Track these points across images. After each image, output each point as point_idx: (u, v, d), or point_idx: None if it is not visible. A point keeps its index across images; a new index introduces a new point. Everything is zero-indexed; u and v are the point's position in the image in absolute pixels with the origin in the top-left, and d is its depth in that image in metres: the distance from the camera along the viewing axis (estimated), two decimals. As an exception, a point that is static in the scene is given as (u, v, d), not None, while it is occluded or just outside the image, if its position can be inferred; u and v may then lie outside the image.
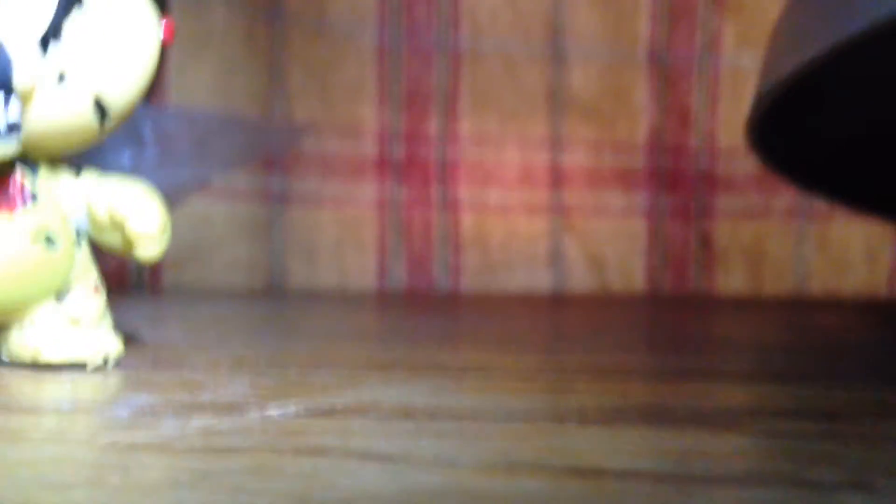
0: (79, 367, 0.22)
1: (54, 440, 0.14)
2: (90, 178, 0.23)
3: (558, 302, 0.49)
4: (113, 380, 0.20)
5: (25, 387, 0.19)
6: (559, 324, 0.39)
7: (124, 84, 0.21)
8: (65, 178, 0.23)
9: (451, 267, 0.52)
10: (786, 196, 0.53)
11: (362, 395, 0.17)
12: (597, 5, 0.52)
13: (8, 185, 0.22)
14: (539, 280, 0.53)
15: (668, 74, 0.53)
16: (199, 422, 0.14)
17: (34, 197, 0.22)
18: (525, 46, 0.53)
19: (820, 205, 0.53)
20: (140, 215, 0.22)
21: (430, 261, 0.52)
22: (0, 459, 0.12)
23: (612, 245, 0.53)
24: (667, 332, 0.36)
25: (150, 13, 0.22)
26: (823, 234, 0.53)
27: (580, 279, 0.53)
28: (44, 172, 0.22)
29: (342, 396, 0.17)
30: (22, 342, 0.23)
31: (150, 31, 0.22)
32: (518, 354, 0.25)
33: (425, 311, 0.41)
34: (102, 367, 0.23)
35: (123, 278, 0.49)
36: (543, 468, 0.12)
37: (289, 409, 0.16)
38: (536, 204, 0.53)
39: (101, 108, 0.21)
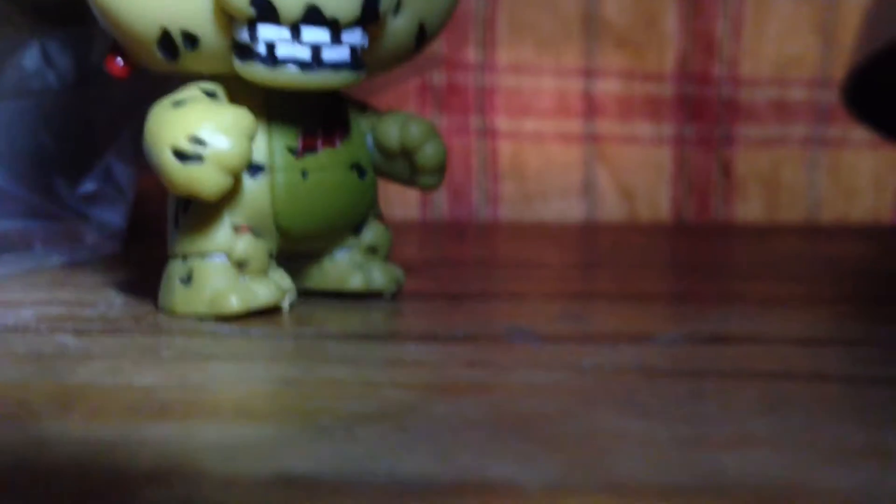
0: (376, 295, 0.24)
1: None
2: (373, 111, 0.24)
3: (681, 231, 0.50)
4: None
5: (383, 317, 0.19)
6: (798, 252, 0.39)
7: (441, 11, 0.22)
8: (355, 111, 0.23)
9: (489, 196, 0.52)
10: (801, 125, 0.55)
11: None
12: (630, -68, 0.52)
13: (332, 118, 0.22)
14: (572, 210, 0.54)
15: (695, 2, 0.54)
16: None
17: (348, 130, 0.22)
18: (561, -28, 0.52)
19: (833, 133, 0.55)
20: (428, 146, 0.23)
21: (470, 190, 0.52)
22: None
23: (640, 174, 0.54)
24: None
25: None
26: (835, 162, 0.56)
27: (611, 209, 0.54)
28: (350, 105, 0.23)
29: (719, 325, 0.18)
30: (328, 271, 0.24)
31: None
32: (806, 284, 0.26)
33: (636, 241, 0.41)
34: (396, 294, 0.24)
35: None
36: None
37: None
38: (570, 133, 0.53)
39: (422, 34, 0.21)
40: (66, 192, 0.30)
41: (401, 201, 0.50)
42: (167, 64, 0.21)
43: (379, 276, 0.24)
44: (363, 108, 0.24)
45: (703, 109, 0.55)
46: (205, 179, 0.19)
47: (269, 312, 0.22)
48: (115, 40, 0.21)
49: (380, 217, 0.24)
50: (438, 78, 0.51)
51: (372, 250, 0.24)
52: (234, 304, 0.21)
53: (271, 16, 0.18)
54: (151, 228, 0.27)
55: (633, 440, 0.13)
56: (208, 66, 0.21)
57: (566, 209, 0.54)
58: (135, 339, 0.19)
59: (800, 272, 0.31)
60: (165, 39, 0.20)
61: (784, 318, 0.22)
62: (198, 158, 0.19)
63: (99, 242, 0.31)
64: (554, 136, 0.53)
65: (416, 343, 0.19)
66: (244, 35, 0.19)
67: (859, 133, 0.54)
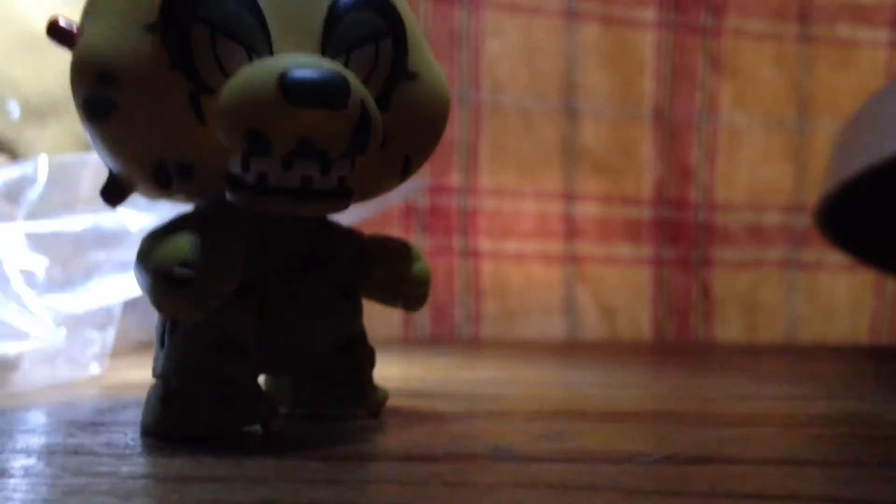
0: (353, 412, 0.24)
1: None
2: (358, 234, 0.24)
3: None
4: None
5: (361, 434, 0.19)
6: (776, 372, 0.40)
7: (425, 145, 0.23)
8: (340, 234, 0.24)
9: (471, 314, 0.53)
10: (777, 248, 0.56)
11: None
12: (606, 65, 0.54)
13: (319, 242, 0.23)
14: (553, 328, 0.54)
15: (671, 131, 0.56)
16: None
17: (333, 253, 0.23)
18: (541, 102, 0.54)
19: (809, 256, 0.56)
20: (412, 269, 0.23)
21: (453, 308, 0.52)
22: None
23: (620, 294, 0.55)
24: None
25: (446, 88, 0.23)
26: (812, 285, 0.57)
27: (592, 327, 0.54)
28: (335, 229, 0.23)
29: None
30: (311, 391, 0.24)
31: (447, 108, 0.23)
32: (784, 405, 0.26)
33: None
34: (379, 412, 0.24)
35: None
36: None
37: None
38: (551, 254, 0.54)
39: (407, 165, 0.22)
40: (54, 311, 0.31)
41: (383, 320, 0.51)
42: (160, 193, 0.21)
43: (360, 396, 0.24)
44: (348, 231, 0.24)
45: (680, 232, 0.56)
46: (190, 303, 0.20)
47: (252, 431, 0.22)
48: (111, 170, 0.22)
49: (364, 337, 0.25)
50: (422, 201, 0.52)
51: (356, 370, 0.24)
52: (216, 424, 0.21)
53: (264, 149, 0.19)
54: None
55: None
56: (201, 193, 0.22)
57: (547, 327, 0.54)
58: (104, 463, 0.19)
59: (778, 392, 0.31)
60: (160, 171, 0.21)
61: (762, 439, 0.22)
62: (183, 283, 0.20)
63: (84, 362, 0.31)
64: (535, 257, 0.54)
65: (398, 462, 0.19)
66: (237, 166, 0.20)
67: (835, 256, 0.55)
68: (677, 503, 0.16)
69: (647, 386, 0.32)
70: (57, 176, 0.34)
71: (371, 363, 0.25)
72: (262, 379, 0.25)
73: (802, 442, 0.22)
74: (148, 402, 0.22)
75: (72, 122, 0.44)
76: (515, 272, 0.54)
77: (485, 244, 0.53)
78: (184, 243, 0.20)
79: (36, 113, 0.43)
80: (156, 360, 0.22)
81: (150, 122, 0.20)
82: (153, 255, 0.20)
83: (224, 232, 0.21)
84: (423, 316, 0.52)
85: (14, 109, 0.41)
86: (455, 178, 0.53)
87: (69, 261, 0.33)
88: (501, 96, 0.53)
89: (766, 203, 0.56)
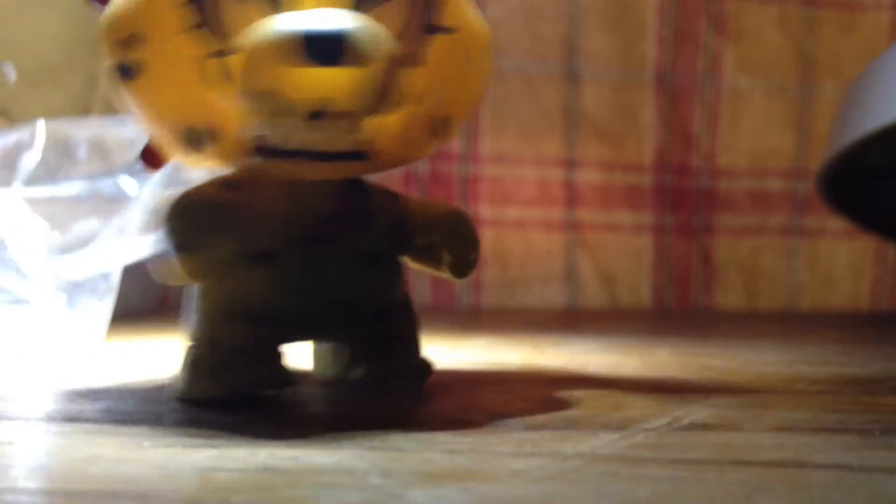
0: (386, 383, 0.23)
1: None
2: (405, 200, 0.23)
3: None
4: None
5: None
6: (777, 339, 0.39)
7: (463, 107, 0.22)
8: (384, 199, 0.23)
9: (472, 283, 0.53)
10: (779, 214, 0.56)
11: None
12: (608, 28, 0.54)
13: (347, 206, 0.22)
14: (554, 295, 0.54)
15: (673, 96, 0.55)
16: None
17: (369, 218, 0.22)
18: (542, 67, 0.54)
19: (810, 222, 0.56)
20: (458, 240, 0.23)
21: (453, 277, 0.52)
22: None
23: (621, 261, 0.55)
24: None
25: (487, 44, 0.22)
26: (813, 251, 0.57)
27: (592, 295, 0.54)
28: (374, 194, 0.23)
29: None
30: (349, 358, 0.23)
31: (488, 63, 0.22)
32: (785, 372, 0.26)
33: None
34: (418, 383, 0.24)
35: (166, 299, 0.48)
36: None
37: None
38: (552, 221, 0.54)
39: (443, 127, 0.21)
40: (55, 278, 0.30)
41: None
42: (193, 157, 0.21)
43: (399, 366, 0.24)
44: (390, 196, 0.23)
45: (681, 199, 0.56)
46: (190, 269, 0.20)
47: (270, 397, 0.22)
48: (146, 146, 0.22)
49: (407, 305, 0.24)
50: (423, 167, 0.52)
51: (394, 339, 0.24)
52: (234, 389, 0.21)
53: (284, 109, 0.19)
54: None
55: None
56: (230, 158, 0.21)
57: (548, 295, 0.54)
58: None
59: (779, 359, 0.31)
60: (191, 134, 0.20)
61: (763, 406, 0.22)
62: (189, 248, 0.20)
63: (83, 330, 0.31)
64: (536, 224, 0.54)
65: (398, 430, 0.19)
66: (259, 129, 0.20)
67: (836, 223, 0.55)
68: (678, 470, 0.16)
69: (647, 353, 0.32)
70: (54, 141, 0.34)
71: (414, 333, 0.24)
72: (308, 346, 0.25)
73: (804, 409, 0.22)
74: (182, 367, 0.22)
75: (69, 87, 0.44)
76: (516, 240, 0.53)
77: (485, 211, 0.53)
78: (190, 214, 0.20)
79: (32, 77, 0.43)
80: (185, 325, 0.22)
81: (177, 84, 0.20)
82: (167, 220, 0.20)
83: (230, 201, 0.21)
84: (424, 284, 0.52)
85: (10, 72, 0.41)
86: (456, 145, 0.52)
87: (67, 226, 0.32)
88: (502, 61, 0.53)
89: (769, 169, 0.56)
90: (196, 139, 0.21)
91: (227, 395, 0.21)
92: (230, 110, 0.20)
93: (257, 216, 0.21)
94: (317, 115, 0.19)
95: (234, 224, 0.20)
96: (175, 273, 0.20)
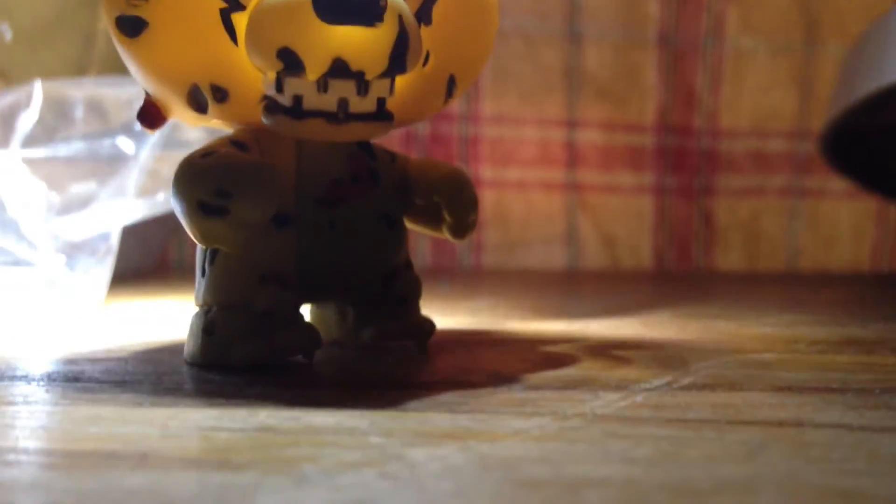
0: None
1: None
2: (404, 159, 0.23)
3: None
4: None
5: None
6: (777, 300, 0.39)
7: (472, 62, 0.22)
8: (386, 159, 0.23)
9: (472, 244, 0.53)
10: (780, 175, 0.56)
11: None
12: (610, -14, 0.53)
13: (361, 167, 0.22)
14: (554, 257, 0.54)
15: (675, 56, 0.55)
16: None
17: (377, 179, 0.22)
18: (543, 26, 0.53)
19: (812, 183, 0.56)
20: (457, 201, 0.23)
21: (453, 238, 0.52)
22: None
23: (622, 222, 0.55)
24: None
25: (496, 4, 0.22)
26: (814, 212, 0.56)
27: (593, 256, 0.54)
28: (379, 155, 0.23)
29: None
30: (354, 321, 0.23)
31: (495, 19, 0.22)
32: (785, 333, 0.26)
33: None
34: (424, 344, 0.24)
35: (166, 260, 0.48)
36: None
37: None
38: (553, 182, 0.54)
39: (451, 86, 0.21)
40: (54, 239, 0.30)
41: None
42: (197, 116, 0.21)
43: (404, 327, 0.24)
44: (393, 156, 0.23)
45: (683, 160, 0.55)
46: (227, 232, 0.20)
47: (290, 361, 0.22)
48: (148, 94, 0.21)
49: (409, 266, 0.24)
50: (423, 128, 0.51)
51: (401, 300, 0.24)
52: (258, 355, 0.21)
53: (297, 68, 0.19)
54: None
55: (614, 486, 0.13)
56: (237, 118, 0.21)
57: (548, 256, 0.54)
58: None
59: (780, 320, 0.31)
60: (195, 94, 0.20)
61: (764, 366, 0.22)
62: (221, 211, 0.19)
63: (83, 291, 0.31)
64: (536, 185, 0.54)
65: (399, 390, 0.19)
66: (272, 88, 0.19)
67: (837, 183, 0.54)
68: (678, 430, 0.16)
69: (647, 314, 0.32)
70: (51, 101, 0.33)
71: (417, 294, 0.24)
72: (306, 309, 0.24)
73: (804, 369, 0.22)
74: (191, 331, 0.22)
75: (65, 47, 0.44)
76: (517, 201, 0.53)
77: (486, 172, 0.53)
78: (220, 171, 0.20)
79: (28, 37, 0.42)
80: (197, 289, 0.22)
81: (182, 42, 0.19)
82: (189, 182, 0.20)
83: (260, 158, 0.20)
84: (424, 245, 0.52)
85: (6, 31, 0.40)
86: (456, 105, 0.52)
87: (66, 187, 0.32)
88: (504, 20, 0.52)
89: (771, 129, 0.55)
90: (200, 98, 0.20)
91: (269, 359, 0.21)
92: (242, 68, 0.19)
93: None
94: (332, 74, 0.19)
95: (261, 184, 0.20)
96: (217, 236, 0.20)
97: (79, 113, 0.34)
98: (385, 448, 0.15)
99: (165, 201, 0.32)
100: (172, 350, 0.24)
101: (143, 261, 0.43)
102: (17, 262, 0.30)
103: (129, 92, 0.34)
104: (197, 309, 0.22)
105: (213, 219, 0.19)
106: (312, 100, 0.19)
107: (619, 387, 0.20)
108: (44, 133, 0.33)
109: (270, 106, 0.20)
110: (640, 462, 0.14)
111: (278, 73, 0.19)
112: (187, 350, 0.22)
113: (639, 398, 0.19)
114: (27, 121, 0.33)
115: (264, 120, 0.20)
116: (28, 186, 0.32)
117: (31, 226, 0.31)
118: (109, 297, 0.32)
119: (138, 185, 0.32)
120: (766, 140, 0.55)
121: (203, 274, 0.21)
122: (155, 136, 0.32)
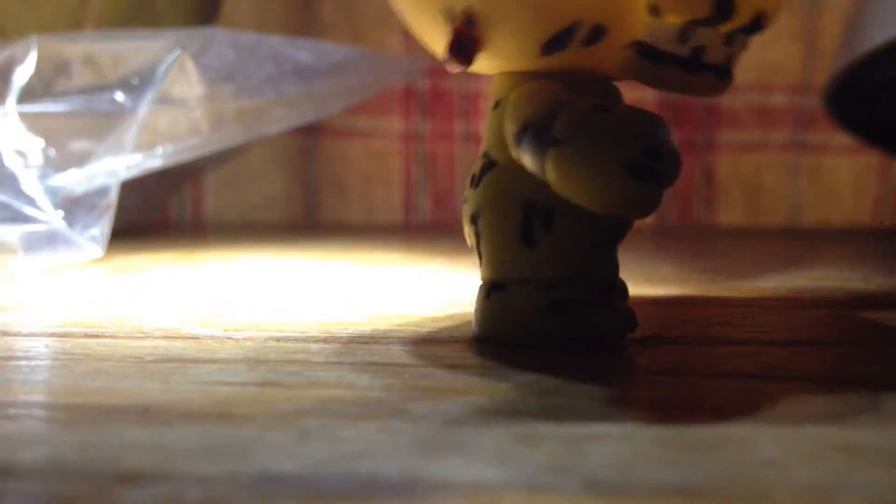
0: None
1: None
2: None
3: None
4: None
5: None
6: (778, 255, 0.39)
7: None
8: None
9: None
10: (783, 130, 0.55)
11: None
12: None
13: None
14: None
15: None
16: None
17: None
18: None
19: (814, 138, 0.56)
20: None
21: (453, 194, 0.52)
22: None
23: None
24: None
25: None
26: (816, 167, 0.56)
27: (594, 211, 0.54)
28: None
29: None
30: None
31: None
32: (785, 287, 0.26)
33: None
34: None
35: (167, 216, 0.48)
36: None
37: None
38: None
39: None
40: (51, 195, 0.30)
41: (384, 206, 0.51)
42: (534, 59, 0.18)
43: None
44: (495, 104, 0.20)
45: (685, 115, 0.55)
46: (657, 198, 0.17)
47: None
48: (462, 21, 0.18)
49: None
50: (423, 83, 0.51)
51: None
52: (608, 329, 0.19)
53: (726, 16, 0.17)
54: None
55: (613, 439, 0.13)
56: (582, 63, 0.18)
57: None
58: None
59: (781, 274, 0.31)
60: (570, 30, 0.17)
61: (765, 320, 0.22)
62: (652, 174, 0.16)
63: (82, 247, 0.31)
64: (537, 141, 0.53)
65: (401, 346, 0.19)
66: (668, 35, 0.17)
67: (840, 138, 0.54)
68: (678, 382, 0.16)
69: (648, 269, 0.32)
70: (48, 56, 0.33)
71: None
72: None
73: (805, 323, 0.22)
74: (528, 312, 0.19)
75: (61, 1, 0.43)
76: (517, 155, 0.53)
77: (486, 127, 0.52)
78: (647, 127, 0.17)
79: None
80: (510, 262, 0.19)
81: None
82: (613, 140, 0.16)
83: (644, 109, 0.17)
84: (424, 202, 0.52)
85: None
86: (456, 59, 0.52)
87: (64, 142, 0.32)
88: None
89: (774, 84, 0.55)
90: (569, 36, 0.17)
91: (600, 335, 0.19)
92: (629, 6, 0.17)
93: None
94: (751, 28, 0.17)
95: (671, 140, 0.17)
96: (637, 204, 0.17)
97: (75, 68, 0.34)
98: (385, 402, 0.15)
99: (163, 156, 0.32)
100: (172, 304, 0.24)
101: (143, 215, 0.43)
102: (15, 218, 0.30)
103: (127, 46, 0.33)
104: (521, 285, 0.19)
105: (646, 183, 0.16)
106: (715, 53, 0.17)
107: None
108: (41, 88, 0.33)
109: (652, 54, 0.17)
110: (641, 407, 0.14)
111: (693, 20, 0.17)
112: (521, 332, 0.19)
113: (641, 351, 0.19)
114: (23, 75, 0.33)
115: (634, 70, 0.18)
116: (25, 141, 0.32)
117: (29, 181, 0.31)
118: (109, 253, 0.32)
119: (136, 140, 0.31)
120: (769, 95, 0.55)
121: (527, 244, 0.18)
122: (151, 91, 0.32)
